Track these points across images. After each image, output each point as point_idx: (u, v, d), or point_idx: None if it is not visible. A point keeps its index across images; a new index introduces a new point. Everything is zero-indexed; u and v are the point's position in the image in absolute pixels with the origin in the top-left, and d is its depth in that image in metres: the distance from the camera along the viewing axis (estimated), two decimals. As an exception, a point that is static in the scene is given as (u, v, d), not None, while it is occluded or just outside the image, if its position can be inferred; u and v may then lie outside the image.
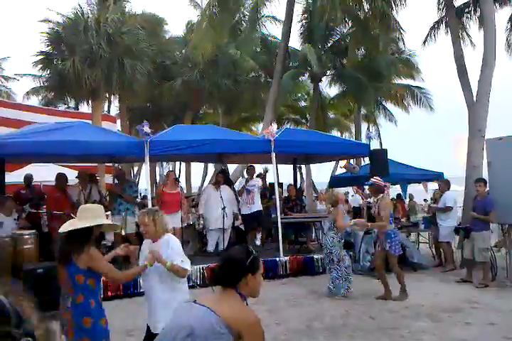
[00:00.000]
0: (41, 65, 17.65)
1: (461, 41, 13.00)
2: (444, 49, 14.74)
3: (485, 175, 8.91)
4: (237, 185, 10.18)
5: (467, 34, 14.43)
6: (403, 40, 16.66)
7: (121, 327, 5.58)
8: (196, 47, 17.04)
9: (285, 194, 11.93)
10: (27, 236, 7.45)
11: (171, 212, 8.43)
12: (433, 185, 13.71)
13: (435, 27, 14.62)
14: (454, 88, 12.47)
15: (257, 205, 9.86)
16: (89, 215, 3.48)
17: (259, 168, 10.90)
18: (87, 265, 3.31)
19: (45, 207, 8.89)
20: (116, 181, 9.25)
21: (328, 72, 22.08)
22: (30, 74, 22.22)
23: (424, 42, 15.11)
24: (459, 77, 11.32)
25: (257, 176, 10.35)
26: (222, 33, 16.49)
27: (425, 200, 14.44)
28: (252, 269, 2.17)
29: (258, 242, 10.17)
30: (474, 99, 10.60)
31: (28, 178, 9.46)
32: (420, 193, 16.79)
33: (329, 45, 21.63)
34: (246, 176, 10.26)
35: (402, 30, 15.51)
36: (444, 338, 5.21)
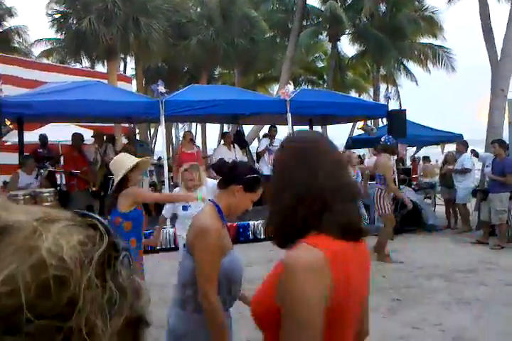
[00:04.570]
0: (57, 25, 17.49)
1: None
2: (469, 5, 14.17)
3: (505, 136, 8.73)
4: (262, 145, 9.81)
5: None
6: None
7: (160, 280, 5.36)
8: None
9: None
10: (46, 194, 7.57)
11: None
12: (451, 147, 13.49)
13: None
14: (478, 46, 12.06)
15: None
16: (115, 168, 3.72)
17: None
18: (133, 201, 3.60)
19: (62, 165, 9.03)
20: (127, 141, 9.36)
21: (347, 30, 21.48)
22: (43, 39, 22.08)
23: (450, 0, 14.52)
24: (483, 33, 10.90)
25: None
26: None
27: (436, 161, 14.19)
28: (246, 185, 2.15)
29: None
30: (498, 57, 10.25)
31: (44, 138, 9.57)
32: (437, 155, 16.60)
33: (349, 2, 20.97)
34: (267, 136, 9.91)
35: None
36: (457, 297, 5.25)
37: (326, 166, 1.26)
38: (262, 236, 8.54)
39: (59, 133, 10.90)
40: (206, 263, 1.98)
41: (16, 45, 21.73)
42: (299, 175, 1.25)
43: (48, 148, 9.58)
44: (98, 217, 0.51)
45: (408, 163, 15.68)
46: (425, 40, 23.58)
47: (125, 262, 0.50)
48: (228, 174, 2.21)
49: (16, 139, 9.23)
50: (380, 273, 6.34)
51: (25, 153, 8.81)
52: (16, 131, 8.84)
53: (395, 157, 8.51)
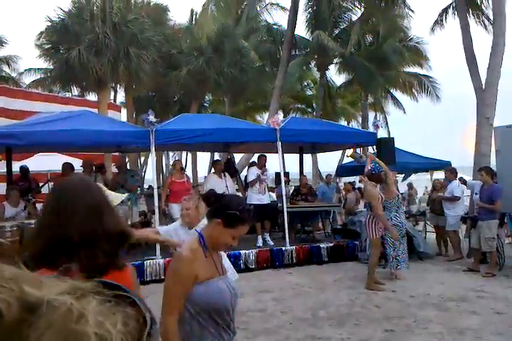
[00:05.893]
0: (47, 55, 17.62)
1: (476, 24, 12.87)
2: (453, 34, 14.63)
3: (493, 163, 8.82)
4: (252, 174, 9.74)
5: (480, 18, 14.15)
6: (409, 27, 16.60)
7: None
8: (201, 27, 16.96)
9: (296, 183, 11.80)
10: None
11: (179, 201, 8.47)
12: (439, 174, 13.60)
13: (444, 13, 14.44)
14: (464, 74, 12.33)
15: (267, 196, 9.69)
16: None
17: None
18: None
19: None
20: (117, 171, 9.35)
21: (335, 60, 21.91)
22: (33, 69, 22.22)
23: (432, 29, 14.97)
24: (467, 63, 11.14)
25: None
26: (227, 14, 16.39)
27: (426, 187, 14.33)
28: (226, 220, 2.12)
29: (267, 237, 9.34)
30: (483, 86, 10.46)
31: (24, 170, 9.50)
32: (425, 182, 16.70)
33: (336, 32, 21.46)
34: (255, 165, 9.94)
35: (410, 12, 15.48)
36: (450, 327, 5.20)
37: (80, 212, 1.40)
38: (254, 266, 8.46)
39: (48, 162, 10.87)
40: (167, 290, 2.07)
41: (5, 75, 21.82)
42: (49, 221, 1.40)
43: (29, 180, 9.49)
44: (126, 288, 0.50)
45: (402, 189, 15.68)
46: (411, 69, 24.13)
47: (155, 335, 0.49)
48: (213, 206, 2.22)
49: (4, 169, 9.17)
50: (373, 302, 6.28)
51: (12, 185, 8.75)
52: (4, 161, 8.81)
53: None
